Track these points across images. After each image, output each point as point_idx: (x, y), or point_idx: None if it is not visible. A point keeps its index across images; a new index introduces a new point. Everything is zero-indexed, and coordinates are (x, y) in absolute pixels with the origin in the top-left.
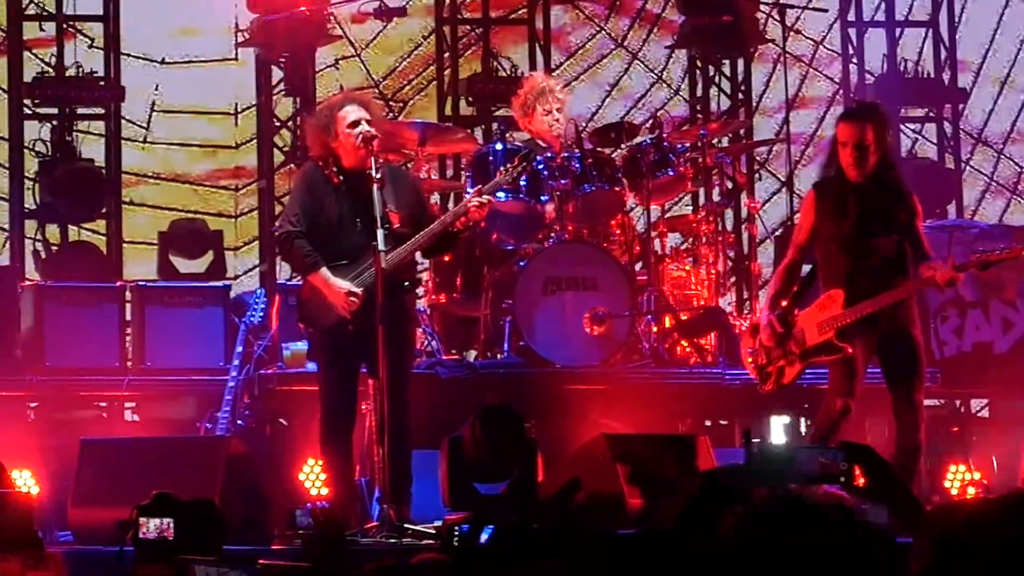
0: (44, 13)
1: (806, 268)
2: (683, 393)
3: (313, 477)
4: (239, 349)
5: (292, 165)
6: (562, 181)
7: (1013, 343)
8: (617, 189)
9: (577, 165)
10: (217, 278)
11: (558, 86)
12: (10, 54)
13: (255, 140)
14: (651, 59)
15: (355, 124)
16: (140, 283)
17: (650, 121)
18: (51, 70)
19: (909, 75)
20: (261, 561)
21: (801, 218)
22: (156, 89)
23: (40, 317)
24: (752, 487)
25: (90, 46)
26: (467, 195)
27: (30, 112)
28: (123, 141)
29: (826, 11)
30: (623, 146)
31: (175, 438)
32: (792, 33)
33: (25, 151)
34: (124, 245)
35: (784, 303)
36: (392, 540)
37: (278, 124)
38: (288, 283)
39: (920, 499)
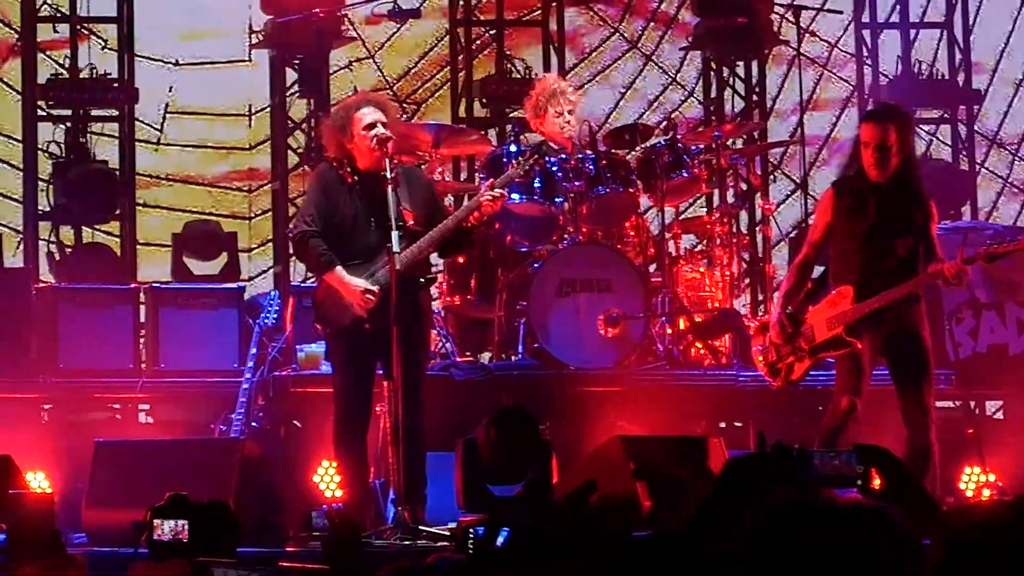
0: (58, 15)
1: (819, 269)
2: (697, 395)
3: (327, 479)
4: (253, 351)
5: (306, 167)
6: (576, 183)
7: None
8: (631, 191)
9: (591, 167)
10: (231, 280)
11: (570, 88)
12: (24, 56)
13: (269, 142)
14: (665, 61)
15: (371, 126)
16: (154, 285)
17: (664, 123)
18: (65, 72)
19: (923, 77)
20: (282, 563)
21: (817, 216)
22: (170, 91)
23: (54, 319)
24: (772, 483)
25: (104, 48)
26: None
27: (44, 114)
28: (137, 143)
29: (840, 12)
30: (637, 148)
31: (189, 440)
32: (807, 35)
33: (39, 153)
34: (138, 247)
35: (796, 301)
36: (407, 542)
37: (292, 126)
38: (302, 285)
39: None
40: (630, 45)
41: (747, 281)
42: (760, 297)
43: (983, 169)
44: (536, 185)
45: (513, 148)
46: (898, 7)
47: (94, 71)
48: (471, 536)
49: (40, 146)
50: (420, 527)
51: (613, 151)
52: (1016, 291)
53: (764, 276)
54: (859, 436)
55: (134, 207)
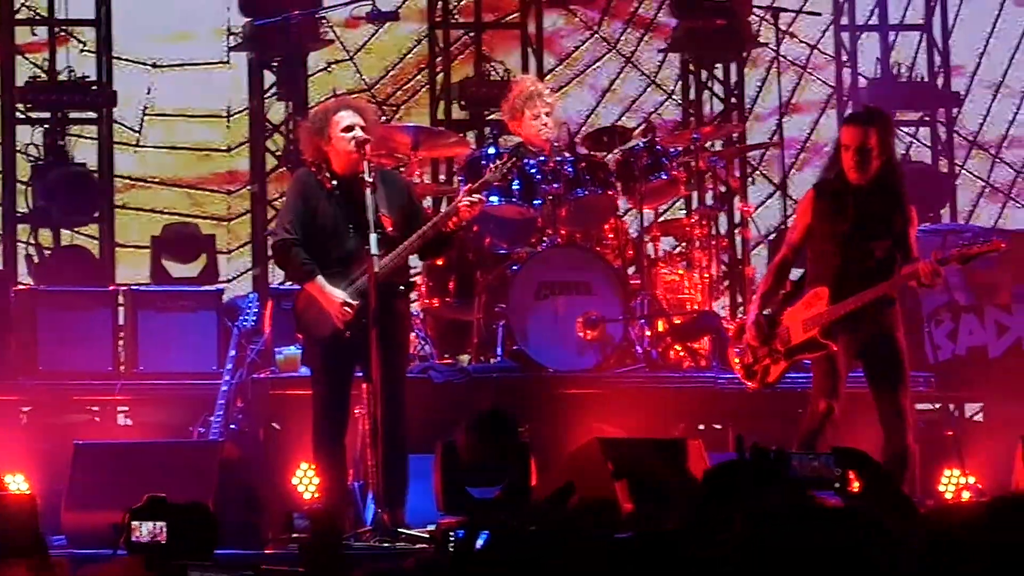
0: (36, 17)
1: (798, 272)
2: (676, 397)
3: (306, 481)
4: (232, 353)
5: (284, 169)
6: (555, 185)
7: (1007, 347)
8: (610, 193)
9: (570, 169)
10: (210, 282)
11: (547, 90)
12: (2, 58)
13: (247, 144)
14: (644, 63)
15: (349, 128)
16: (133, 287)
17: (643, 125)
18: (43, 74)
19: (903, 79)
20: (264, 566)
21: (797, 217)
22: (148, 93)
23: (33, 321)
24: (760, 486)
25: (82, 50)
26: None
27: (23, 116)
28: (116, 145)
29: (819, 15)
30: (616, 150)
31: (168, 442)
32: (787, 36)
33: (18, 155)
34: (118, 249)
35: (773, 302)
36: (386, 544)
37: (270, 128)
38: (281, 287)
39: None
40: (610, 46)
41: (726, 283)
42: (739, 299)
43: (963, 171)
44: (515, 187)
45: (492, 150)
46: (877, 9)
47: (72, 74)
48: (451, 539)
49: (19, 148)
50: (399, 529)
51: (592, 153)
52: (996, 293)
53: (743, 278)
54: (837, 439)
55: (113, 209)
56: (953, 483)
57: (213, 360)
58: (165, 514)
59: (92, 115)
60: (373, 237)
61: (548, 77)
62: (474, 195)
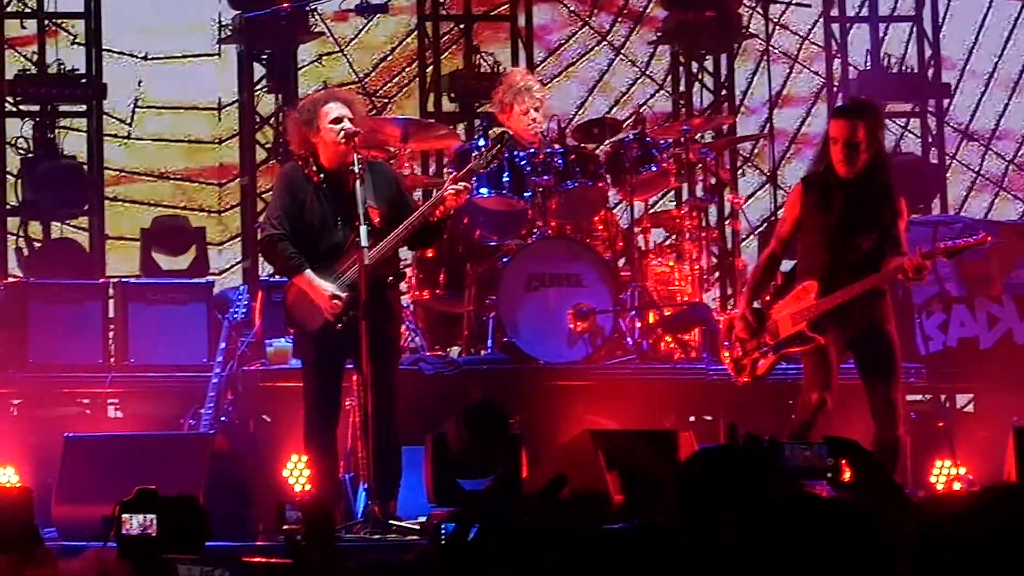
0: (25, 10)
1: (788, 265)
2: (667, 389)
3: (297, 473)
4: (222, 345)
5: (274, 161)
6: (545, 177)
7: (998, 338)
8: (600, 185)
9: (560, 161)
10: (200, 275)
11: (536, 84)
12: None
13: (237, 136)
14: (634, 56)
15: (338, 120)
16: (123, 280)
17: (632, 117)
18: (33, 67)
19: (893, 71)
20: (245, 559)
21: (786, 211)
22: (139, 85)
23: (23, 314)
24: (757, 477)
25: (72, 43)
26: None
27: (12, 109)
28: (107, 137)
29: (809, 6)
30: (606, 142)
31: (159, 434)
32: (777, 28)
33: (7, 148)
34: (108, 241)
35: (762, 296)
36: (377, 536)
37: (260, 121)
38: (271, 279)
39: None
40: (600, 37)
41: (716, 275)
42: (729, 291)
43: (954, 162)
44: (505, 180)
45: (481, 142)
46: (867, 1)
47: (62, 67)
48: (443, 532)
49: (8, 141)
50: (390, 521)
51: (582, 145)
52: (987, 285)
53: (733, 270)
54: (829, 430)
55: (103, 202)
56: (944, 474)
57: (203, 352)
58: (155, 507)
59: (82, 108)
60: (363, 230)
61: (538, 69)
62: (460, 183)
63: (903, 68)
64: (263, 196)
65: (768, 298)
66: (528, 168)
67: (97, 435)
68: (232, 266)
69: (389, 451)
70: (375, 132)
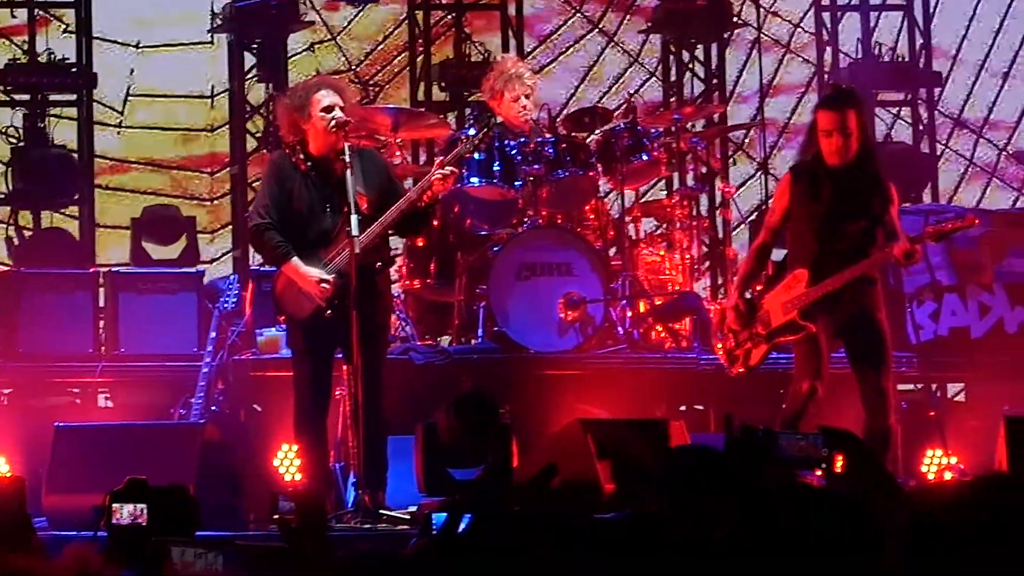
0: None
1: (780, 254)
2: (658, 378)
3: (288, 463)
4: (213, 335)
5: (265, 151)
6: (535, 166)
7: (989, 328)
8: (591, 174)
9: (551, 150)
10: (190, 264)
11: (527, 72)
12: None
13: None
14: (625, 45)
15: (329, 109)
16: (113, 269)
17: (623, 106)
18: (23, 56)
19: (884, 59)
20: (239, 543)
21: (775, 201)
22: (131, 74)
23: (13, 304)
24: (754, 467)
25: (64, 32)
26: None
27: (2, 98)
28: (99, 126)
29: None
30: (597, 131)
31: (150, 424)
32: (768, 16)
33: None
34: (99, 231)
35: (754, 285)
36: (367, 526)
37: (251, 109)
38: (261, 269)
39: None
40: (592, 24)
41: (707, 264)
42: (720, 280)
43: (947, 150)
44: (495, 169)
45: (472, 131)
46: None
47: (52, 56)
48: (432, 524)
49: None
50: (380, 511)
51: (572, 134)
52: (978, 274)
53: (724, 259)
54: (819, 419)
55: (93, 191)
56: (935, 463)
57: (194, 342)
58: (146, 496)
59: (72, 97)
60: (354, 219)
61: (528, 58)
62: (447, 168)
63: (894, 56)
64: (253, 185)
65: (759, 288)
66: (519, 157)
67: (87, 425)
68: (222, 255)
69: (374, 440)
70: (366, 121)
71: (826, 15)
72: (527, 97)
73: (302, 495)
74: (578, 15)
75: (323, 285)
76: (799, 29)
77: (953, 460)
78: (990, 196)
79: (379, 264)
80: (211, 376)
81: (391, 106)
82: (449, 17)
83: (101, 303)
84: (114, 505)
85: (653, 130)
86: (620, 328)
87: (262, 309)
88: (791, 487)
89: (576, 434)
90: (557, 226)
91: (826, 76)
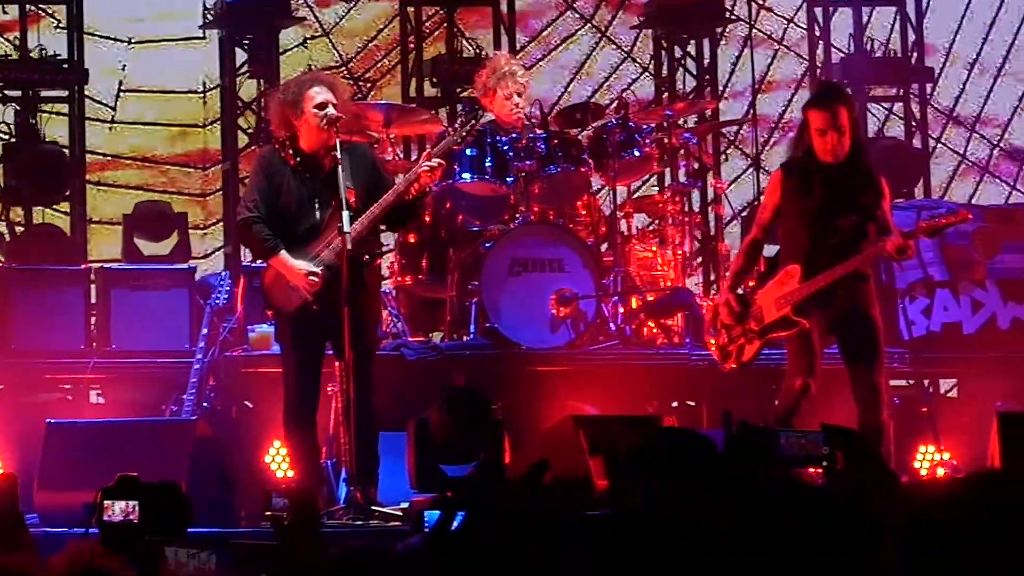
0: None
1: (772, 250)
2: (650, 374)
3: (279, 459)
4: (204, 331)
5: (256, 146)
6: (527, 162)
7: (982, 323)
8: (583, 170)
9: (543, 146)
10: (182, 260)
11: (519, 69)
12: None
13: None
14: (618, 40)
15: (322, 105)
16: (105, 266)
17: (615, 102)
18: (15, 52)
19: (877, 55)
20: (232, 541)
21: (766, 197)
22: (123, 69)
23: (5, 300)
24: (752, 465)
25: (56, 28)
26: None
27: None
28: (91, 122)
29: None
30: (589, 127)
31: (141, 421)
32: (761, 12)
33: None
34: (92, 227)
35: (746, 281)
36: (359, 522)
37: (242, 105)
38: (253, 265)
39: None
40: (585, 20)
41: (699, 260)
42: (712, 276)
43: (939, 146)
44: (487, 164)
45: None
46: None
47: (43, 52)
48: (425, 521)
49: None
50: (372, 507)
51: (564, 130)
52: (971, 270)
53: (716, 255)
54: (812, 415)
55: (84, 187)
56: (928, 459)
57: (185, 338)
58: (137, 493)
59: (64, 93)
60: (345, 215)
61: (520, 54)
62: (434, 160)
63: (887, 52)
64: (245, 181)
65: (752, 284)
66: (511, 153)
67: (79, 421)
68: (213, 251)
69: (366, 436)
70: (358, 117)
71: (818, 10)
72: (519, 94)
73: (294, 491)
74: (570, 10)
75: (311, 278)
76: (791, 24)
77: (946, 456)
78: (982, 192)
79: (367, 257)
80: (203, 372)
81: (383, 102)
82: (441, 13)
83: (93, 299)
84: (106, 502)
85: (645, 126)
86: (612, 324)
87: (254, 305)
88: (789, 485)
89: (568, 430)
90: (549, 222)
91: (818, 72)
